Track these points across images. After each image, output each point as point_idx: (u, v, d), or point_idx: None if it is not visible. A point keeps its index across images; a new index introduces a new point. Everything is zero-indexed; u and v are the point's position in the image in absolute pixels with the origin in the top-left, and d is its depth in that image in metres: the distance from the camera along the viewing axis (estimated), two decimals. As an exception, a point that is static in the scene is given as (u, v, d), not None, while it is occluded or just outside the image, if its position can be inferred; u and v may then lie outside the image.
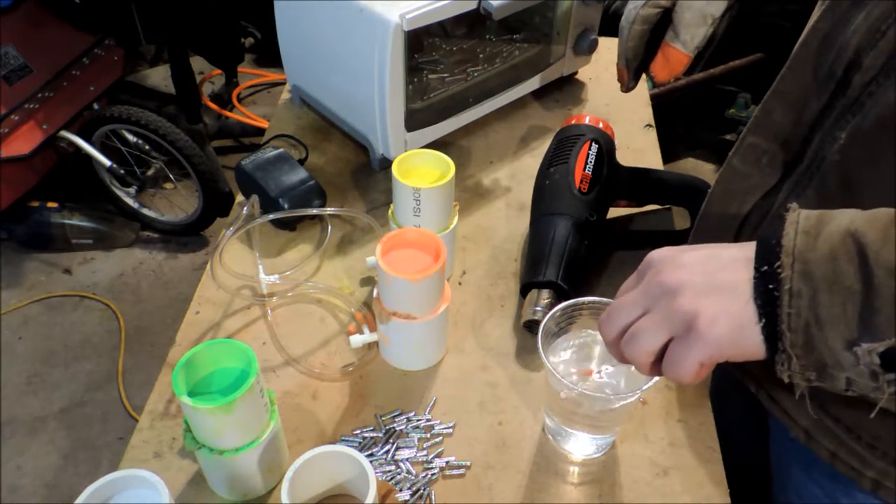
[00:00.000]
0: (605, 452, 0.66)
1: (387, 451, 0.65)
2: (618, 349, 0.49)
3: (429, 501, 0.62)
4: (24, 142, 1.92)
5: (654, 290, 0.46)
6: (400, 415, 0.68)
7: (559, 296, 0.73)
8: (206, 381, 0.58)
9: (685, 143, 2.49)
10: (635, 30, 0.73)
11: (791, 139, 0.57)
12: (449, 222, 0.77)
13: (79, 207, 2.15)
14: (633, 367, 0.62)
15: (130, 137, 2.05)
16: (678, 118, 2.34)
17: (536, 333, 0.60)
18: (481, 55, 1.01)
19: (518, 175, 0.96)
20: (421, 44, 0.96)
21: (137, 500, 0.51)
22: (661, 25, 0.74)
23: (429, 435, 0.66)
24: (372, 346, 0.74)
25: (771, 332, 0.43)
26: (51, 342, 1.93)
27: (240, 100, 2.70)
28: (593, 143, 0.84)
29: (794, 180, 0.57)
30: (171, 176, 2.10)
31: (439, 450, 0.66)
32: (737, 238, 0.63)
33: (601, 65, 1.15)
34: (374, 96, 0.86)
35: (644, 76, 0.80)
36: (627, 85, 0.79)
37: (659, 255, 0.48)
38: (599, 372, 0.65)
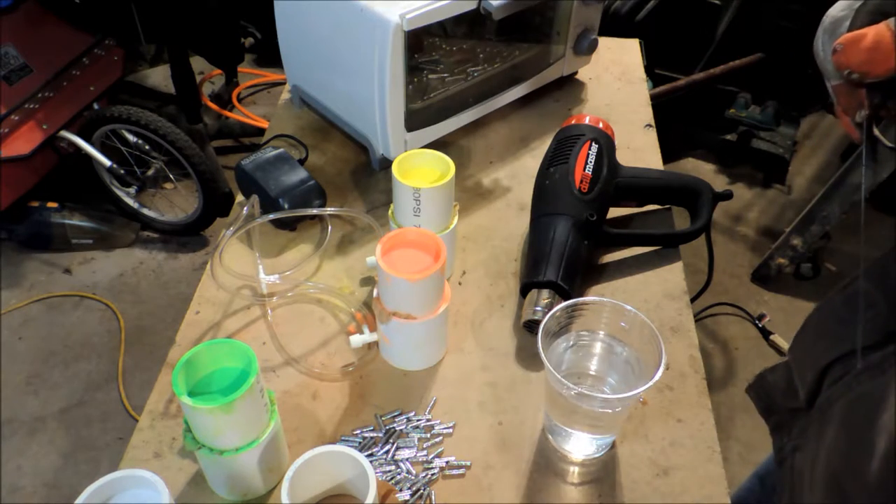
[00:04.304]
0: (605, 452, 0.66)
1: (387, 451, 0.65)
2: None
3: (429, 501, 0.62)
4: (24, 142, 1.92)
5: None
6: (400, 415, 0.68)
7: (559, 296, 0.73)
8: (206, 381, 0.58)
9: (685, 143, 2.49)
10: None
11: None
12: (449, 222, 0.77)
13: (79, 207, 2.14)
14: (631, 365, 0.62)
15: (130, 137, 2.05)
16: (678, 118, 2.34)
17: (536, 333, 0.60)
18: (481, 55, 1.01)
19: (518, 175, 0.96)
20: (421, 44, 0.96)
21: (137, 500, 0.51)
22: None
23: (429, 435, 0.66)
24: (372, 346, 0.74)
25: None
26: (51, 342, 1.92)
27: (240, 100, 2.70)
28: (593, 143, 0.84)
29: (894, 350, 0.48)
30: (171, 176, 2.10)
31: (439, 450, 0.65)
32: (818, 385, 0.57)
33: (601, 65, 1.15)
34: (374, 96, 0.86)
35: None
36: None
37: None
38: (599, 371, 0.66)
